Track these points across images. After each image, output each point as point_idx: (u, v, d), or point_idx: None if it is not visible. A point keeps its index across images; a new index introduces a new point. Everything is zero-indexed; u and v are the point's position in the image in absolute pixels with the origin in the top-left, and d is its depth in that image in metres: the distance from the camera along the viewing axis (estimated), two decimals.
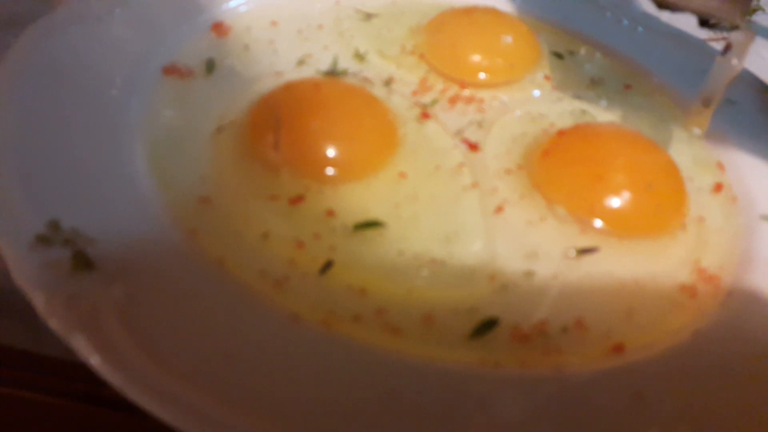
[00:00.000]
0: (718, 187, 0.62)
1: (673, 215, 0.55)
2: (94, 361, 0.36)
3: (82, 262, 0.41)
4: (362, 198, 0.51)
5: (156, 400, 0.34)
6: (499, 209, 0.54)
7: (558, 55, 0.76)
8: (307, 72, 0.63)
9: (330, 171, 0.51)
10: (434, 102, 0.64)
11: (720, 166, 0.65)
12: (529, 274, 0.49)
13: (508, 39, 0.70)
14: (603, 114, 0.69)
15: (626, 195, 0.53)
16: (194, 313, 0.40)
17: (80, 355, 0.36)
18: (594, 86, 0.73)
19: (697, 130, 0.56)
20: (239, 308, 0.41)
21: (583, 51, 0.78)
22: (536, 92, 0.70)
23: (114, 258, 0.42)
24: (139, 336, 0.37)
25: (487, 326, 0.45)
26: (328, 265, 0.46)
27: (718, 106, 0.58)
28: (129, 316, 0.38)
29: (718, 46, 0.66)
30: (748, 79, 0.73)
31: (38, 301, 0.37)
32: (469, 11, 0.73)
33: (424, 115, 0.61)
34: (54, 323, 0.36)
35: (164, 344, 0.38)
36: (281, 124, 0.51)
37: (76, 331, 0.36)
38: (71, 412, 0.46)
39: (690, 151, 0.67)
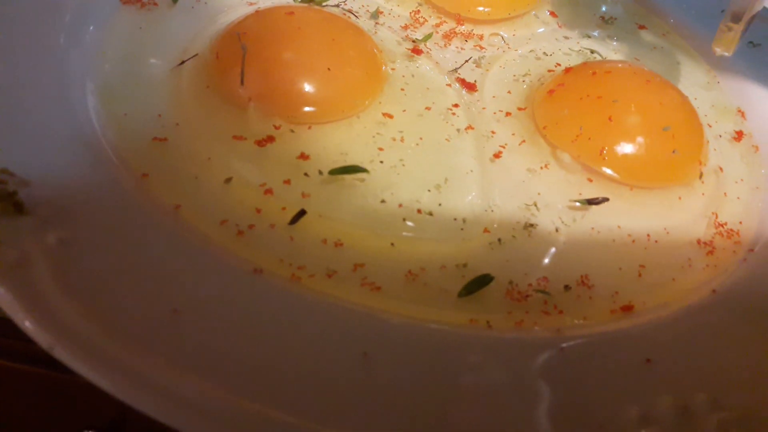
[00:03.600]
0: (738, 135, 0.57)
1: (690, 162, 0.49)
2: (19, 318, 0.30)
3: (11, 205, 0.35)
4: (341, 140, 0.45)
5: (93, 363, 0.29)
6: (496, 155, 0.48)
7: None
8: (283, 2, 0.56)
9: (303, 109, 0.45)
10: (427, 37, 0.57)
11: (740, 113, 0.59)
12: (528, 227, 0.44)
13: None
14: (613, 55, 0.63)
15: (640, 138, 0.47)
16: (141, 264, 0.35)
17: (5, 311, 0.31)
18: (605, 25, 0.66)
19: (722, 52, 0.49)
20: (194, 260, 0.36)
21: None
22: (541, 29, 0.63)
23: (50, 202, 0.36)
24: (74, 290, 0.32)
25: (478, 283, 0.39)
26: (299, 215, 0.40)
27: (747, 28, 0.50)
28: (64, 267, 0.33)
29: None
30: None
31: None
32: None
33: (415, 51, 0.55)
34: None
35: (104, 299, 0.32)
36: (248, 55, 0.44)
37: None
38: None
39: (708, 96, 0.61)
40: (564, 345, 0.36)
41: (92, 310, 0.31)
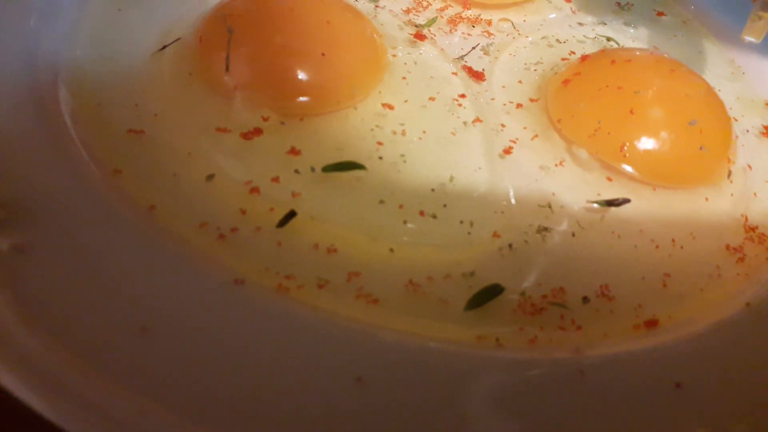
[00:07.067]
0: (767, 130, 0.53)
1: (718, 160, 0.45)
2: None
3: None
4: (336, 134, 0.41)
5: (44, 394, 0.25)
6: (506, 151, 0.44)
7: None
8: None
9: (295, 99, 0.41)
10: (431, 22, 0.53)
11: None
12: (542, 231, 0.40)
13: None
14: (631, 43, 0.58)
15: (664, 133, 0.43)
16: (108, 274, 0.31)
17: None
18: (621, 11, 0.62)
19: (751, 39, 0.45)
20: (168, 268, 0.32)
21: None
22: (553, 15, 0.59)
23: (6, 202, 0.32)
24: (26, 305, 0.28)
25: (487, 294, 0.35)
26: (288, 217, 0.36)
27: None
28: (15, 278, 0.29)
29: None
30: None
31: None
32: None
33: (418, 37, 0.50)
34: None
35: (61, 317, 0.28)
36: (234, 39, 0.40)
37: None
38: None
39: (733, 89, 0.56)
40: (584, 366, 0.32)
41: (46, 330, 0.27)
